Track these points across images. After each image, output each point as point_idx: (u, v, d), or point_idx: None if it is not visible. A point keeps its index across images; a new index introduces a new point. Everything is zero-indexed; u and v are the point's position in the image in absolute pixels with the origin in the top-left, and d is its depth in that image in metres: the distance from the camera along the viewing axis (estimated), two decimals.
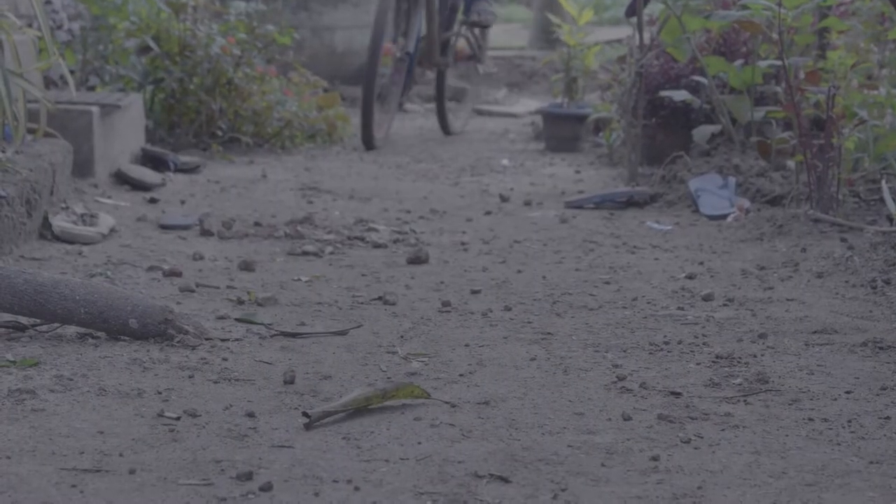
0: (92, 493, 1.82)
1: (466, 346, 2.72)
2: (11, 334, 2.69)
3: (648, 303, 3.17)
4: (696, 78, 5.22)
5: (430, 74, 7.10)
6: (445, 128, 7.14)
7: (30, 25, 4.50)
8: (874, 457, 2.05)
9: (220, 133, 5.96)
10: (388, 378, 2.46)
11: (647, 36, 5.26)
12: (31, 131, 4.01)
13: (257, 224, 4.13)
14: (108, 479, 1.88)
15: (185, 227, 4.06)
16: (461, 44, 7.29)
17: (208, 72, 5.83)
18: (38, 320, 2.71)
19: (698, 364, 2.61)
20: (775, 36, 4.50)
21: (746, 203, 4.44)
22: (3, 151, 3.74)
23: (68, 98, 4.52)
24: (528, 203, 4.79)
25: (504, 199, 4.86)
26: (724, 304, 3.15)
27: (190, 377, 2.43)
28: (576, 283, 3.40)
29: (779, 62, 4.63)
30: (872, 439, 2.15)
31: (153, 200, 4.52)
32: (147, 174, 4.90)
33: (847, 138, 4.26)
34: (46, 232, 3.68)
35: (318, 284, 3.32)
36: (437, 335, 2.81)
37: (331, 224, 4.20)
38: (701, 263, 3.65)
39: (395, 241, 3.98)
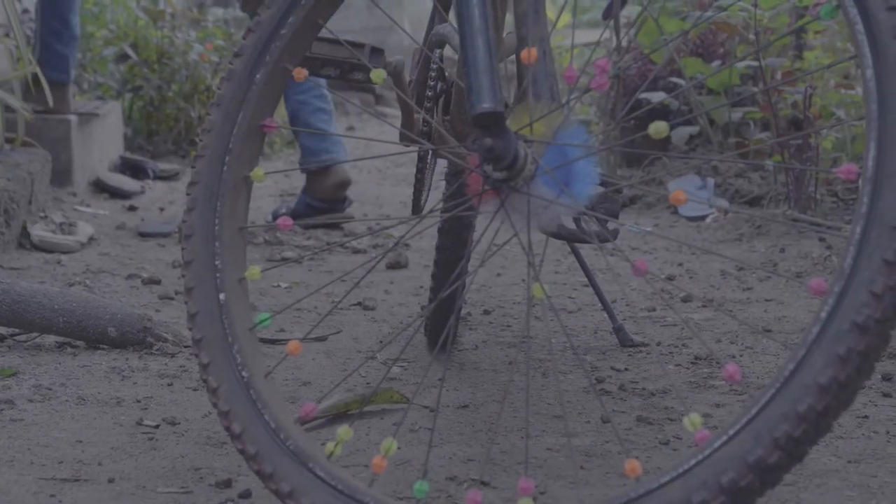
0: (70, 503, 1.81)
1: (445, 350, 2.72)
2: None
3: (627, 305, 3.17)
4: (674, 79, 5.23)
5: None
6: None
7: (7, 35, 4.49)
8: (852, 456, 2.06)
9: (198, 140, 5.96)
10: (368, 383, 2.46)
11: (624, 38, 5.28)
12: (8, 140, 4.00)
13: None
14: (87, 488, 1.88)
15: (165, 235, 4.06)
16: None
17: (186, 79, 5.82)
18: (17, 330, 2.71)
19: (677, 365, 2.61)
20: (752, 37, 4.51)
21: (725, 204, 4.45)
22: None
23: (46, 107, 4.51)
24: None
25: None
26: (703, 305, 3.15)
27: (169, 385, 2.43)
28: (555, 286, 3.40)
29: (756, 63, 4.65)
30: (850, 438, 2.15)
31: (132, 208, 4.52)
32: (126, 182, 4.89)
33: (824, 138, 4.28)
34: (25, 241, 3.67)
35: (297, 290, 3.31)
36: (416, 340, 2.81)
37: (310, 230, 4.20)
38: (680, 265, 3.66)
39: (375, 247, 3.97)
